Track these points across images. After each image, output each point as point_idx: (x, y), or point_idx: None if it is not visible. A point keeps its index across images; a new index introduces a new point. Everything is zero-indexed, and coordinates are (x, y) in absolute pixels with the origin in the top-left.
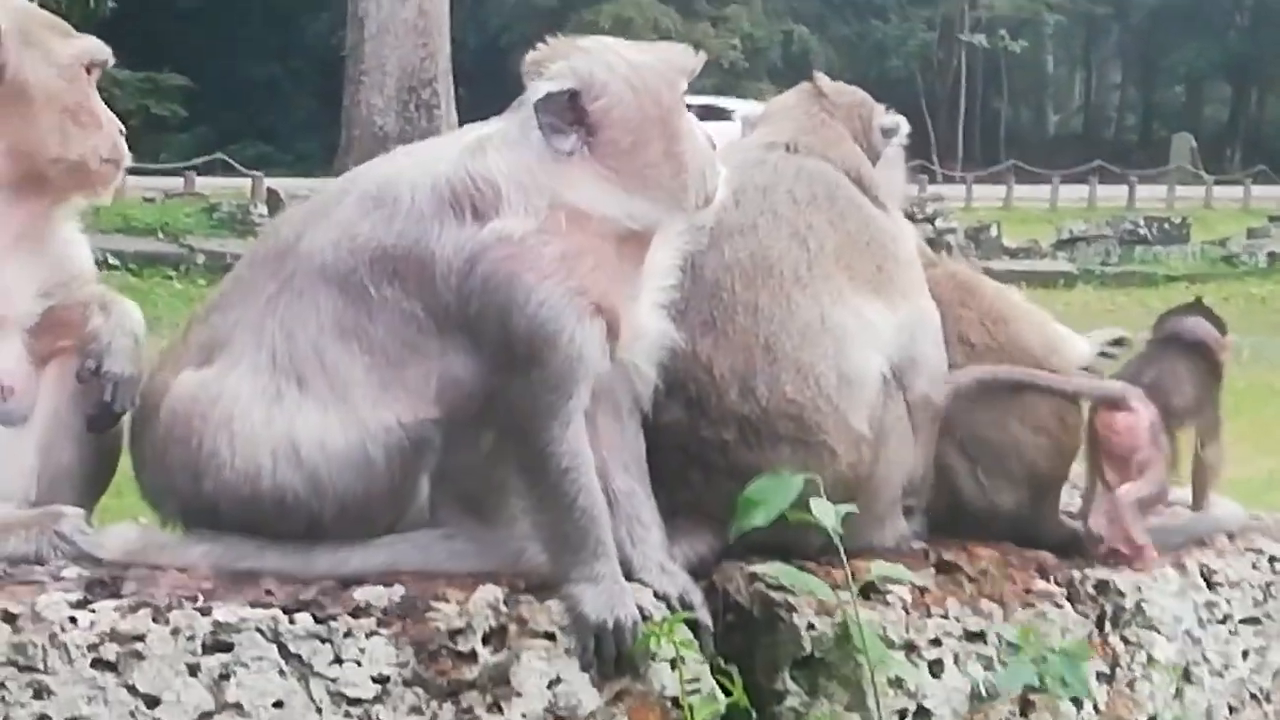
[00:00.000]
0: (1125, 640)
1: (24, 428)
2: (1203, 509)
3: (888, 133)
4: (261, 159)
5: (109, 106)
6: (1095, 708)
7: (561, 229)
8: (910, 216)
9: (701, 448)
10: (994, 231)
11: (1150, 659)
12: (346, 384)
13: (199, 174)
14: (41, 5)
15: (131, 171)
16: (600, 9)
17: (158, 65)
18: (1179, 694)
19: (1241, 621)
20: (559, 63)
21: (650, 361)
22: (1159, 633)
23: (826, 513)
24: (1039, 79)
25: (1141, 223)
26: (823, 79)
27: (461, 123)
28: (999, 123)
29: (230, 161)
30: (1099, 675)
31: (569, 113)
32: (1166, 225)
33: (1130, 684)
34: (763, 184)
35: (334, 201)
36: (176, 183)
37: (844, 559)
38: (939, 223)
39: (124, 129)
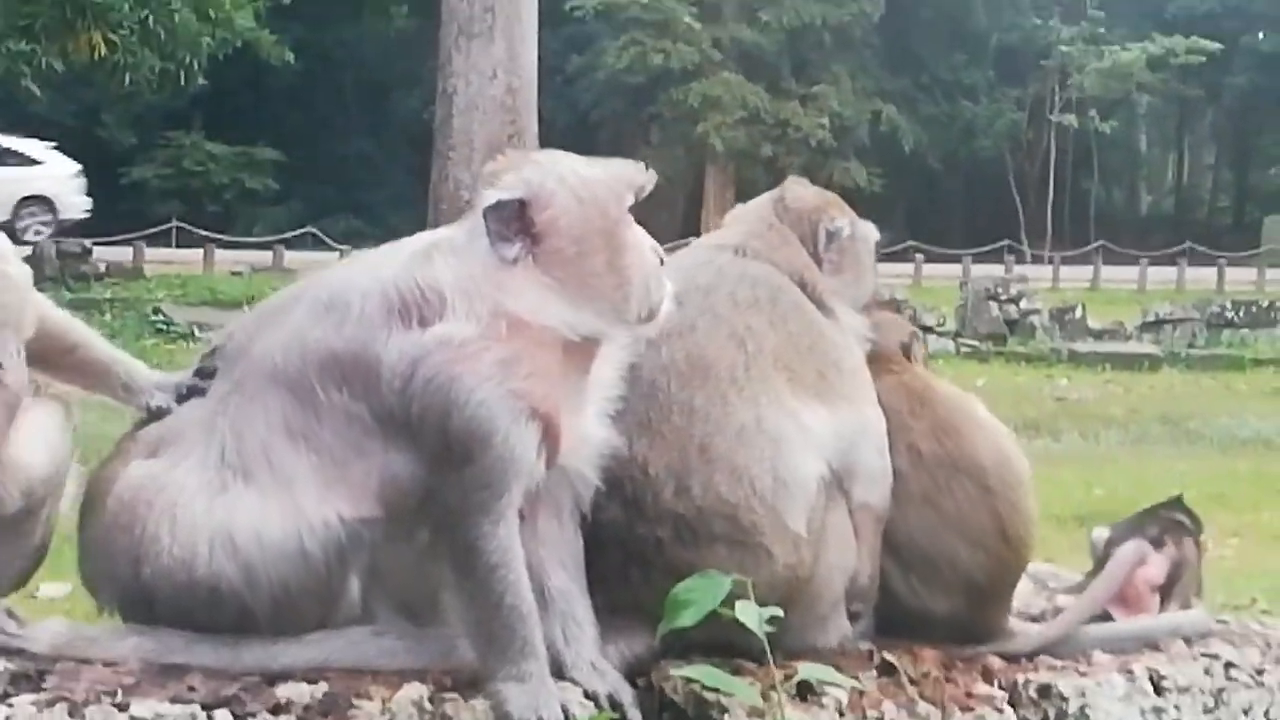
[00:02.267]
0: None
1: None
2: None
3: (831, 237)
4: (352, 233)
5: (204, 179)
6: None
7: (502, 335)
8: (994, 297)
9: (639, 546)
10: (1079, 312)
11: None
12: (290, 479)
13: (289, 248)
14: (132, 81)
15: (222, 245)
16: (689, 88)
17: (252, 140)
18: None
19: None
20: (511, 173)
21: (592, 467)
22: None
23: (751, 616)
24: (1131, 159)
25: (1229, 306)
26: (795, 184)
27: None
28: (1089, 203)
29: (320, 235)
30: None
31: (516, 222)
32: (1255, 309)
33: None
34: (705, 285)
35: (286, 308)
36: (265, 257)
37: (770, 660)
38: (1023, 303)
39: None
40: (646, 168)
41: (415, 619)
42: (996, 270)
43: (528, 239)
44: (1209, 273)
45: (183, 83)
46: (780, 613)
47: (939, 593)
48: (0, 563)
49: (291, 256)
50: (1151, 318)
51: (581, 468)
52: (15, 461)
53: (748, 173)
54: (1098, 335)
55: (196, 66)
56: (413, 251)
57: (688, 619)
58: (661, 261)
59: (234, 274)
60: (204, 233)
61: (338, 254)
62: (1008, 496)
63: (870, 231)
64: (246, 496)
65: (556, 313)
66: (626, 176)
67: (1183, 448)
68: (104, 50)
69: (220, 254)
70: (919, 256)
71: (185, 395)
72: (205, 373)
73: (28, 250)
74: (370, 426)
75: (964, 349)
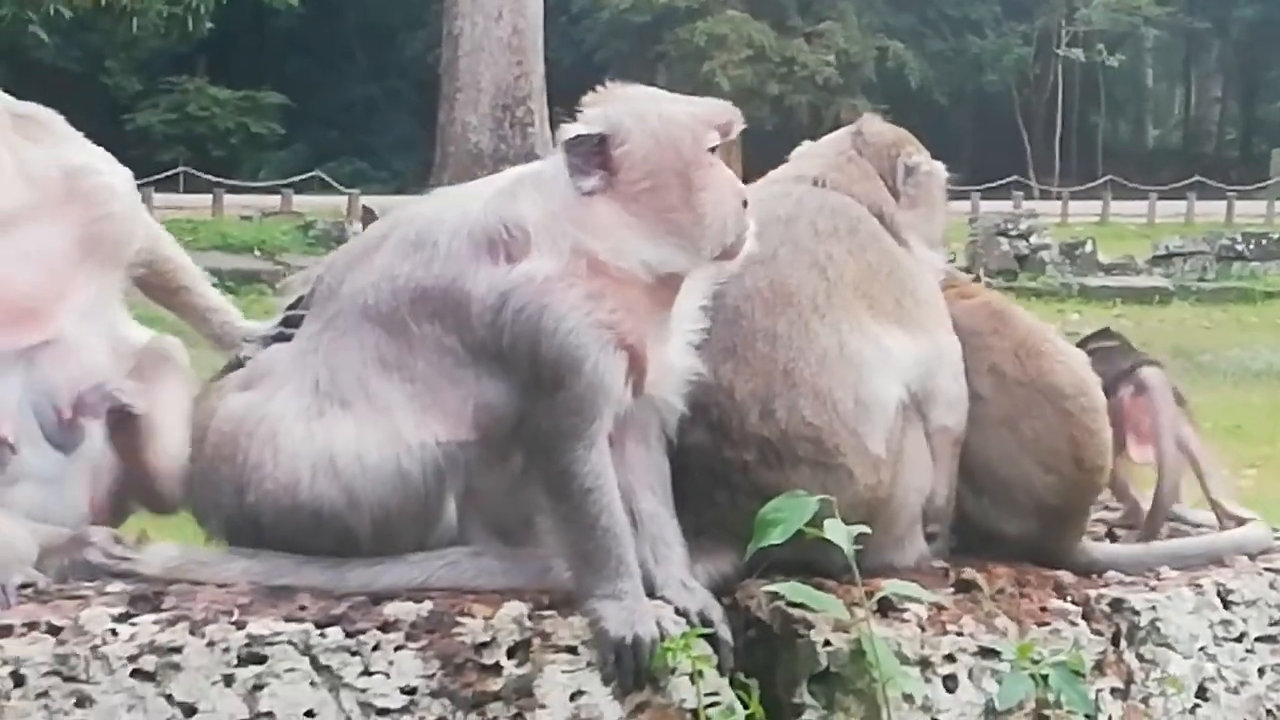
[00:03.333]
0: (1140, 658)
1: (78, 453)
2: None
3: (909, 171)
4: (358, 176)
5: (209, 124)
6: None
7: (583, 272)
8: (1004, 232)
9: (725, 469)
10: (1089, 247)
11: (1165, 676)
12: (387, 406)
13: (296, 192)
14: (139, 27)
15: (230, 189)
16: (695, 26)
17: (256, 84)
18: (1194, 710)
19: (1258, 639)
20: (595, 108)
21: (677, 394)
22: (1174, 650)
23: (840, 533)
24: (1138, 93)
25: (1239, 238)
26: (871, 120)
27: (555, 140)
28: (1096, 138)
29: (327, 179)
30: (1113, 691)
31: (595, 156)
32: (1265, 241)
33: (1145, 700)
34: (785, 215)
35: (373, 247)
36: (274, 200)
37: (857, 577)
38: (1033, 239)
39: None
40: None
41: (509, 541)
42: (1005, 206)
43: (605, 173)
44: (1218, 206)
45: (190, 27)
46: (868, 529)
47: (1012, 515)
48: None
49: (299, 200)
50: (1161, 251)
51: (667, 395)
52: (169, 466)
53: (754, 111)
54: (1108, 270)
55: (203, 10)
56: (497, 189)
57: (776, 537)
58: (745, 204)
59: (243, 218)
60: (211, 178)
61: (345, 198)
62: (1084, 422)
63: (941, 170)
64: (344, 422)
65: (633, 250)
66: (709, 115)
67: (1195, 380)
68: None
69: (229, 198)
70: None
71: (270, 343)
72: (291, 321)
73: None
74: (463, 357)
75: None
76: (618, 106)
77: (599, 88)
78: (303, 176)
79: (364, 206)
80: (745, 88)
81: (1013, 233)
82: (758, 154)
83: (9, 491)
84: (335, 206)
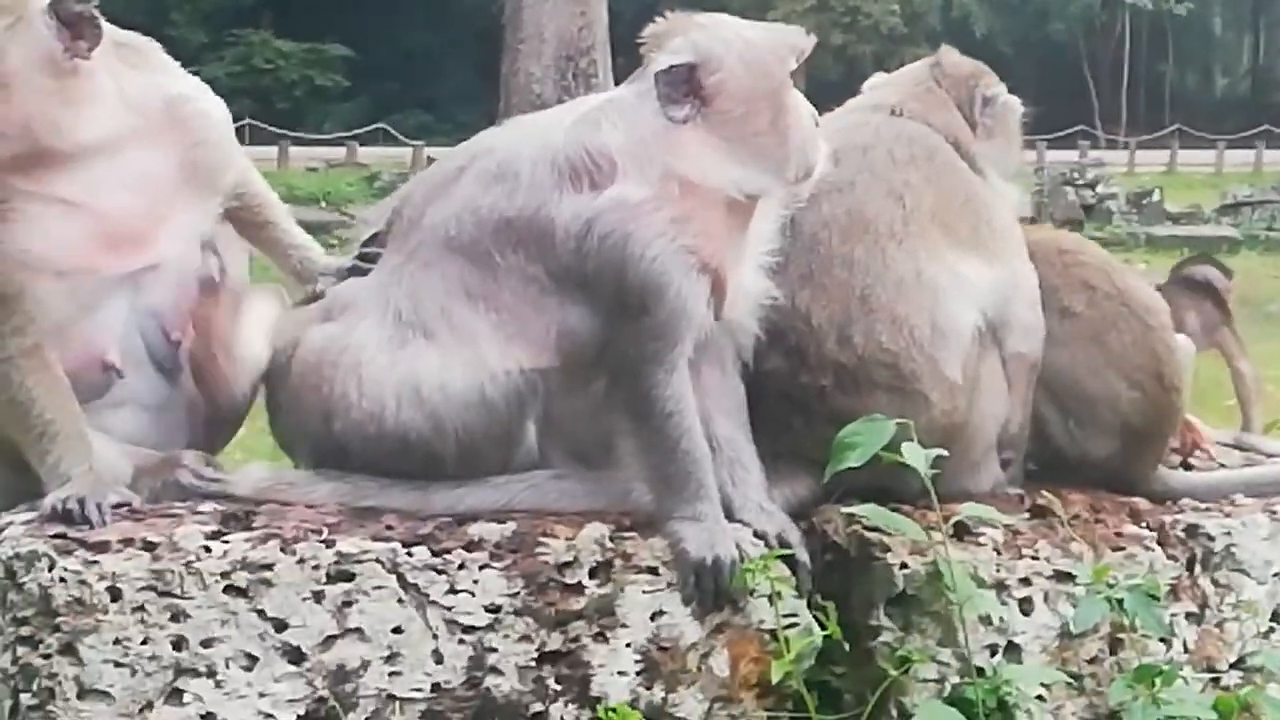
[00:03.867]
0: (1215, 583)
1: (180, 380)
2: (1250, 418)
3: (987, 102)
4: (422, 128)
5: (274, 77)
6: (1184, 647)
7: (674, 196)
8: (1070, 182)
9: (801, 394)
10: (1156, 196)
11: (1240, 601)
12: (471, 335)
13: (361, 144)
14: None
15: (295, 141)
16: None
17: (321, 36)
18: (1268, 634)
19: None
20: (679, 38)
21: (752, 318)
22: (1249, 576)
23: (917, 456)
24: (1206, 42)
25: None
26: (949, 52)
27: None
28: (1164, 87)
29: (391, 131)
30: (1188, 616)
31: (686, 84)
32: None
33: (1219, 625)
34: (862, 144)
35: (451, 179)
36: (339, 152)
37: (934, 500)
38: (1100, 188)
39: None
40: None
41: (590, 465)
42: (1071, 156)
43: (697, 101)
44: None
45: None
46: (945, 453)
47: (1098, 435)
48: (212, 434)
49: (364, 152)
50: (1229, 200)
51: (743, 319)
52: (245, 357)
53: (818, 60)
54: (1175, 219)
55: None
56: (580, 117)
57: (853, 461)
58: (816, 124)
59: (309, 170)
60: (277, 130)
61: (410, 149)
62: (1165, 338)
63: (1018, 104)
64: (428, 352)
65: (724, 172)
66: (789, 40)
67: (1264, 328)
68: None
69: (294, 150)
70: None
71: (347, 276)
72: (367, 256)
73: None
74: (547, 285)
75: None
76: (703, 34)
77: (664, 16)
78: (367, 129)
79: (429, 158)
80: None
81: (1079, 182)
82: (822, 103)
83: (111, 415)
84: (399, 158)
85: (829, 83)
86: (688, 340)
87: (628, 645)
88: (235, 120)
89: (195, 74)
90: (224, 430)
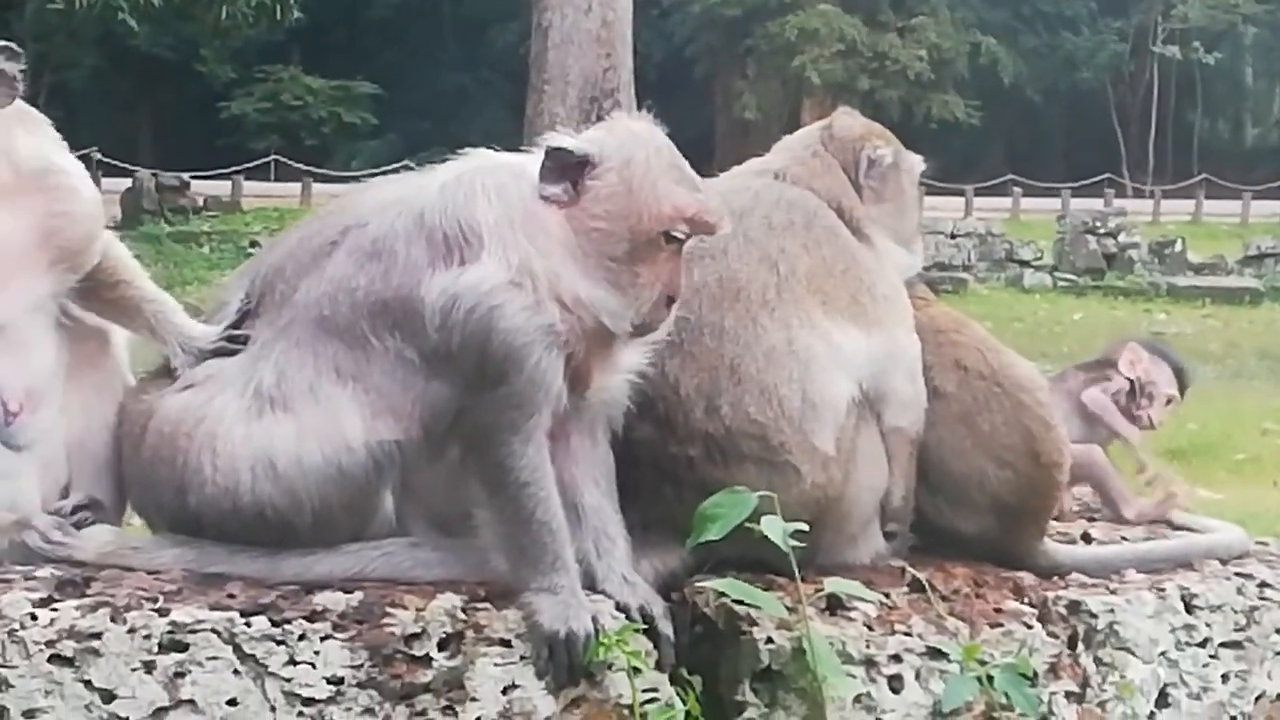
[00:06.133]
0: (1098, 661)
1: (27, 447)
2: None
3: (872, 164)
4: None
5: (302, 113)
6: None
7: (532, 280)
8: (1091, 231)
9: (671, 464)
10: (1179, 246)
11: (1122, 680)
12: (334, 409)
13: None
14: (227, 15)
15: (319, 179)
16: (785, 21)
17: (350, 74)
18: (1152, 716)
19: (1222, 645)
20: (596, 132)
21: (622, 391)
22: (1133, 654)
23: (776, 529)
24: (1236, 91)
25: None
26: (845, 114)
27: None
28: (1192, 136)
29: (416, 169)
30: (1069, 694)
31: (570, 171)
32: None
33: (1101, 705)
34: (740, 209)
35: (324, 254)
36: None
37: (796, 574)
38: (1122, 237)
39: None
40: (712, 209)
41: (448, 535)
42: (1097, 204)
43: (573, 191)
44: None
45: (278, 16)
46: (805, 528)
47: (968, 513)
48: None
49: None
50: (1253, 251)
51: (613, 392)
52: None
53: (845, 106)
54: (1197, 269)
55: (291, 0)
56: (445, 183)
57: (714, 533)
58: (670, 302)
59: None
60: (302, 166)
61: None
62: (1040, 415)
63: (915, 163)
64: (285, 423)
65: (570, 282)
66: (687, 206)
67: None
68: None
69: (317, 187)
70: (1017, 190)
71: (209, 357)
72: (237, 339)
73: (127, 182)
74: (417, 365)
75: (1061, 283)
76: (617, 142)
77: (627, 113)
78: (394, 166)
79: None
80: (836, 82)
81: (1101, 231)
82: None
83: None
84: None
85: None
86: (544, 411)
87: (478, 719)
88: (262, 156)
89: (224, 109)
90: None
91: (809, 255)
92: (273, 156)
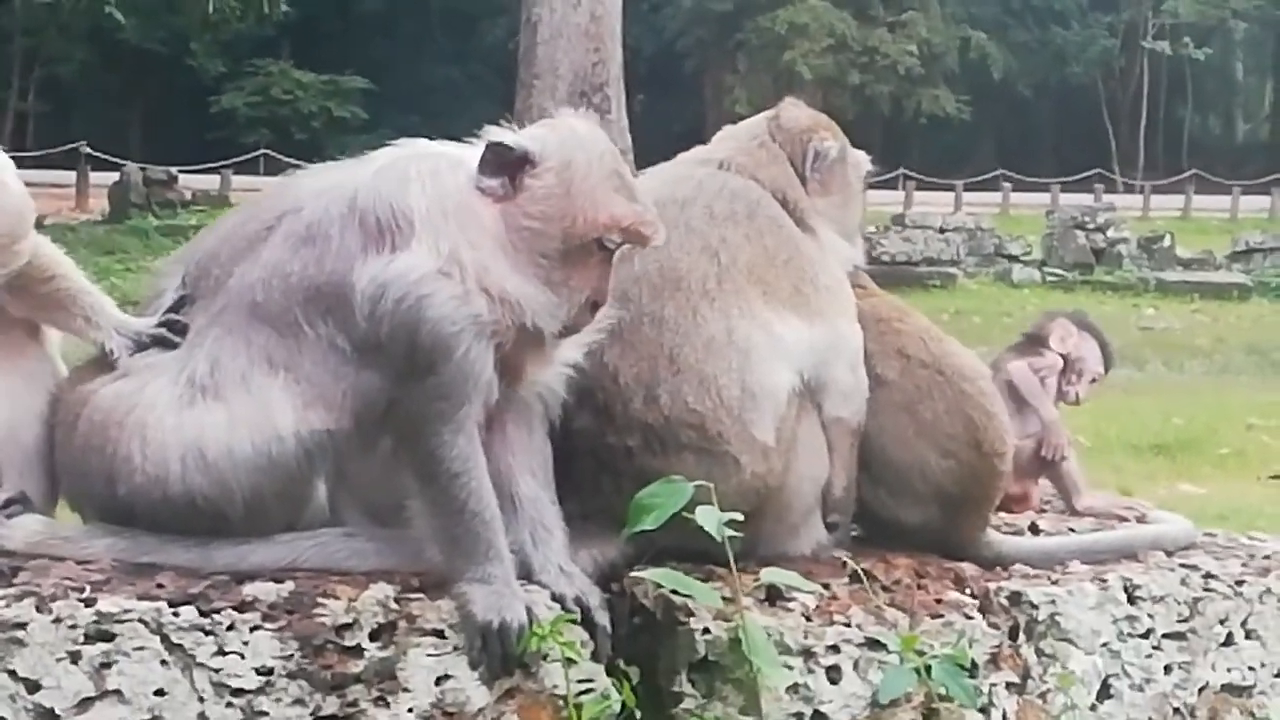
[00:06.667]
0: (1040, 652)
1: None
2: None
3: (819, 156)
4: None
5: (292, 108)
6: (1004, 717)
7: (460, 270)
8: (1080, 226)
9: (609, 454)
10: (1167, 242)
11: (1063, 672)
12: (265, 399)
13: None
14: (215, 8)
15: None
16: (776, 15)
17: (339, 68)
18: (1094, 708)
19: (1165, 636)
20: (541, 129)
21: (558, 384)
22: (1075, 645)
23: (710, 519)
24: (1227, 87)
25: None
26: (791, 105)
27: (632, 127)
28: (1182, 131)
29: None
30: (1009, 685)
31: (509, 167)
32: None
33: (1042, 695)
34: (682, 198)
35: (259, 239)
36: None
37: (733, 564)
38: (1111, 232)
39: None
40: (651, 227)
41: (383, 525)
42: (1087, 199)
43: (510, 186)
44: None
45: (265, 10)
46: (739, 517)
47: (910, 503)
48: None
49: None
50: (1241, 246)
51: (550, 382)
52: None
53: (835, 101)
54: (1186, 264)
55: None
56: (390, 171)
57: (650, 523)
58: (596, 307)
59: None
60: (292, 160)
61: None
62: (983, 404)
63: (862, 160)
64: (216, 412)
65: (499, 277)
66: (622, 215)
67: (1268, 378)
68: None
69: None
70: (1007, 185)
71: (147, 344)
72: (174, 326)
73: (115, 176)
74: (349, 354)
75: (1050, 278)
76: (559, 141)
77: (573, 112)
78: None
79: None
80: (826, 77)
81: (1090, 226)
82: None
83: None
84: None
85: (846, 123)
86: (475, 401)
87: (410, 710)
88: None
89: (214, 103)
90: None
91: (751, 245)
92: (262, 151)
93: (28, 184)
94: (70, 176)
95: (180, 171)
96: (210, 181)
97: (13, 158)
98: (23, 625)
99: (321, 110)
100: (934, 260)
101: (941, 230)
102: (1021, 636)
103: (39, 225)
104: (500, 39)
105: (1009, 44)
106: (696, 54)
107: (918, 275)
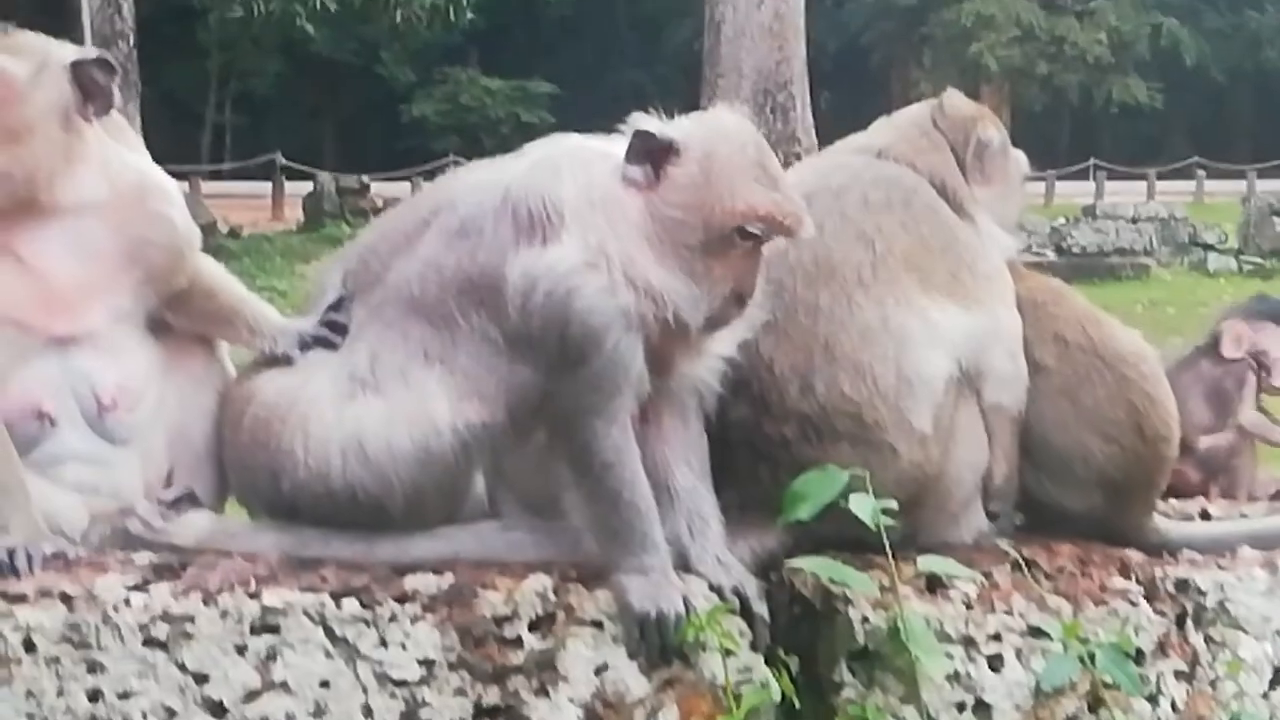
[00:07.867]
0: (1209, 639)
1: (124, 441)
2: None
3: (983, 145)
4: None
5: (480, 114)
6: (1173, 706)
7: (607, 261)
8: (1278, 212)
9: (766, 444)
10: None
11: (1235, 658)
12: (422, 393)
13: None
14: (403, 18)
15: None
16: (961, 7)
17: (527, 74)
18: (1267, 695)
19: None
20: (689, 120)
21: (711, 376)
22: (1245, 632)
23: (865, 507)
24: None
25: None
26: (954, 94)
27: (818, 123)
28: None
29: None
30: (1177, 674)
31: (654, 155)
32: None
33: (1212, 683)
34: (837, 187)
35: (416, 234)
36: None
37: (889, 552)
38: None
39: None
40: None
41: (541, 516)
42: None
43: (654, 175)
44: None
45: (452, 17)
46: (894, 505)
47: (1073, 490)
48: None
49: None
50: None
51: (704, 374)
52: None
53: (1023, 92)
54: None
55: (465, 2)
56: (542, 164)
57: (805, 512)
58: (741, 300)
59: None
60: None
61: None
62: (1145, 389)
63: (1020, 156)
64: (374, 406)
65: (643, 269)
66: (763, 204)
67: None
68: None
69: None
70: (1201, 173)
71: (310, 345)
72: (336, 326)
73: (309, 186)
74: (501, 346)
75: (1247, 266)
76: (704, 131)
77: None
78: None
79: None
80: (1013, 68)
81: None
82: (1027, 134)
83: (57, 469)
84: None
85: (1034, 113)
86: (626, 393)
87: (570, 700)
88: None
89: (404, 112)
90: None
91: (907, 233)
92: (451, 158)
93: (225, 195)
94: (266, 187)
95: (372, 180)
96: (402, 189)
97: (211, 170)
98: (191, 619)
99: (509, 116)
100: (1126, 251)
101: (1134, 220)
102: (1189, 624)
103: (236, 236)
104: (685, 40)
105: (1201, 30)
106: (881, 48)
107: (1110, 266)
